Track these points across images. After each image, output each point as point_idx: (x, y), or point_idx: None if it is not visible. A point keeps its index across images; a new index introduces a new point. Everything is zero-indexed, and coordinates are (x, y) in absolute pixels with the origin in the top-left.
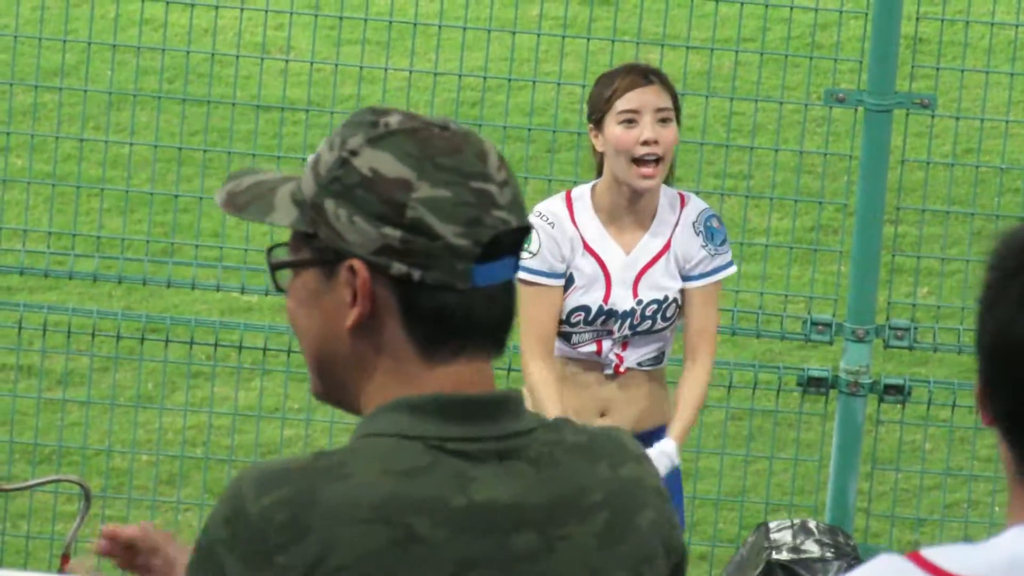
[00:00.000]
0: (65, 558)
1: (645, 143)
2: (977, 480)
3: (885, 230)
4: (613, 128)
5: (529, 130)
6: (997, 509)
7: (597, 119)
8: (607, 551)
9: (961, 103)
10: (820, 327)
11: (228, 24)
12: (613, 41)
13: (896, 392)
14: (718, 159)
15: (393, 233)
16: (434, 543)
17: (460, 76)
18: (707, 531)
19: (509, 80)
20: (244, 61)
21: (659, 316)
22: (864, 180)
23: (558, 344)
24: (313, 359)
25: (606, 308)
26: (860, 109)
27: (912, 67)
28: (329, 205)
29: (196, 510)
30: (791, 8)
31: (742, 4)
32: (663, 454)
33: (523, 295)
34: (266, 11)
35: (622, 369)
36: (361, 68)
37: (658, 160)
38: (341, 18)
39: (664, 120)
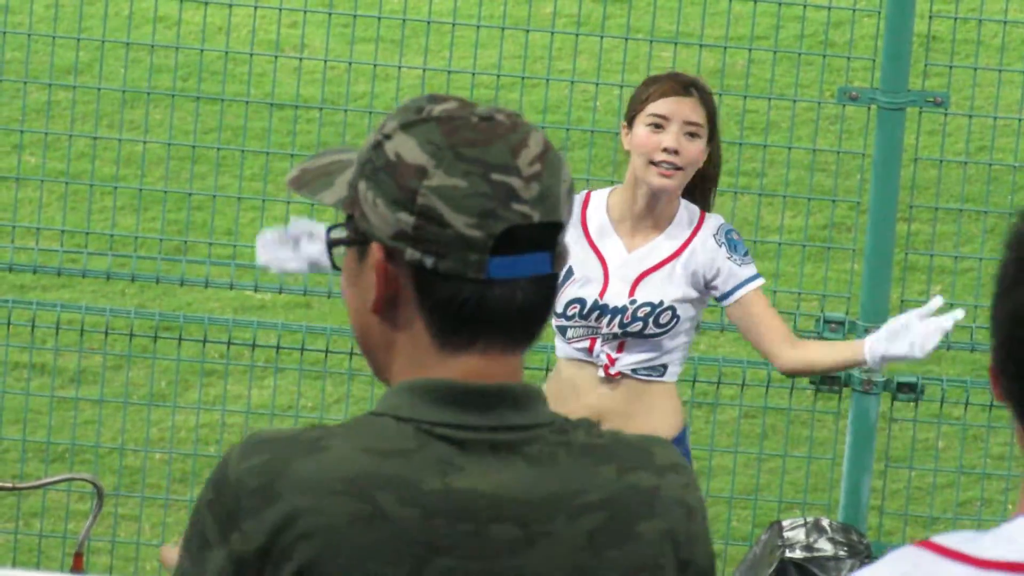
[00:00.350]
0: (78, 557)
1: (666, 150)
2: (990, 478)
3: (898, 228)
4: (640, 129)
5: (543, 128)
6: (1010, 507)
7: (630, 117)
8: (596, 553)
9: (974, 101)
10: (833, 325)
11: (242, 22)
12: (626, 39)
13: (909, 390)
14: (731, 157)
15: (407, 219)
16: (400, 522)
17: (473, 74)
18: (720, 529)
19: (522, 78)
20: (258, 59)
21: (651, 320)
22: (877, 178)
23: (559, 343)
24: (356, 337)
25: (600, 303)
26: (873, 107)
27: (925, 65)
28: (362, 186)
29: None
30: (804, 6)
31: (755, 2)
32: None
33: None
34: (280, 9)
35: (612, 371)
36: (375, 66)
37: (678, 168)
38: (355, 16)
39: (692, 134)
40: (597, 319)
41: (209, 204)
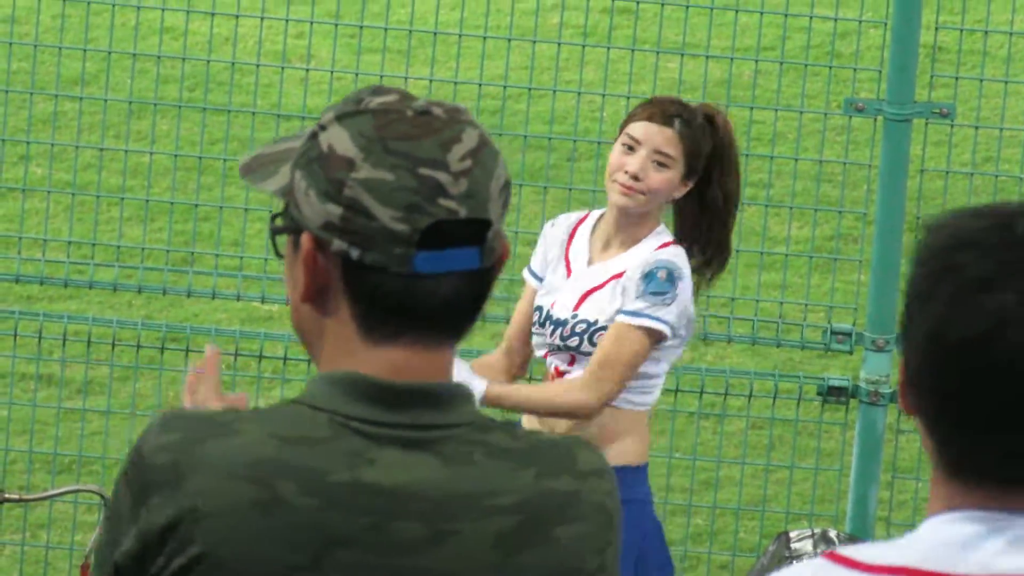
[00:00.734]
0: (85, 568)
1: (626, 172)
2: None
3: (905, 239)
4: (616, 146)
5: (549, 139)
6: None
7: (617, 136)
8: (508, 555)
9: (980, 112)
10: (840, 336)
11: (248, 32)
12: (633, 50)
13: None
14: None
15: (335, 210)
16: (298, 511)
17: (480, 85)
18: (728, 540)
19: (529, 89)
20: (264, 70)
21: (586, 337)
22: (884, 189)
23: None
24: (293, 325)
25: (550, 313)
26: (880, 118)
27: (931, 76)
28: (297, 176)
29: None
30: (811, 17)
31: (762, 13)
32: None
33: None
34: (286, 20)
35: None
36: (382, 77)
37: (640, 193)
38: (361, 27)
39: (661, 164)
40: (545, 327)
41: (216, 215)
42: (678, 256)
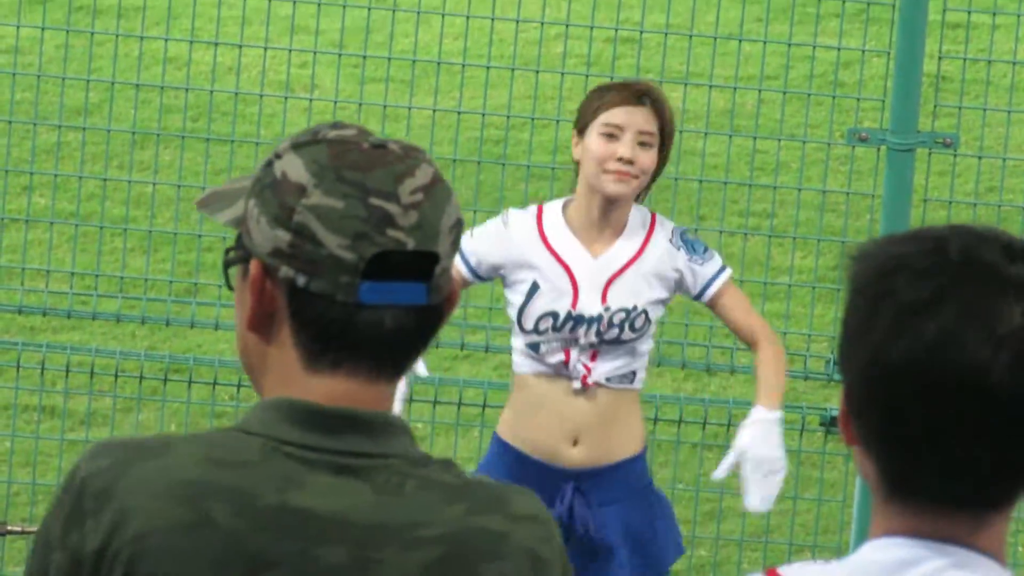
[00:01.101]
0: None
1: (620, 159)
2: None
3: None
4: (593, 138)
5: (553, 168)
6: (1021, 549)
7: (581, 127)
8: None
9: (984, 142)
10: None
11: (252, 62)
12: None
13: None
14: (741, 197)
15: (284, 236)
16: (228, 532)
17: (484, 114)
18: (731, 572)
19: (533, 119)
20: (268, 99)
21: (627, 325)
22: (887, 218)
23: (526, 359)
24: (239, 353)
25: (574, 314)
26: (883, 148)
27: (935, 106)
28: (250, 204)
29: None
30: (814, 47)
31: (765, 42)
32: (765, 422)
33: None
34: (290, 49)
35: (590, 381)
36: (385, 107)
37: (633, 176)
38: (365, 56)
39: (644, 144)
40: (572, 330)
41: (219, 245)
42: (667, 219)
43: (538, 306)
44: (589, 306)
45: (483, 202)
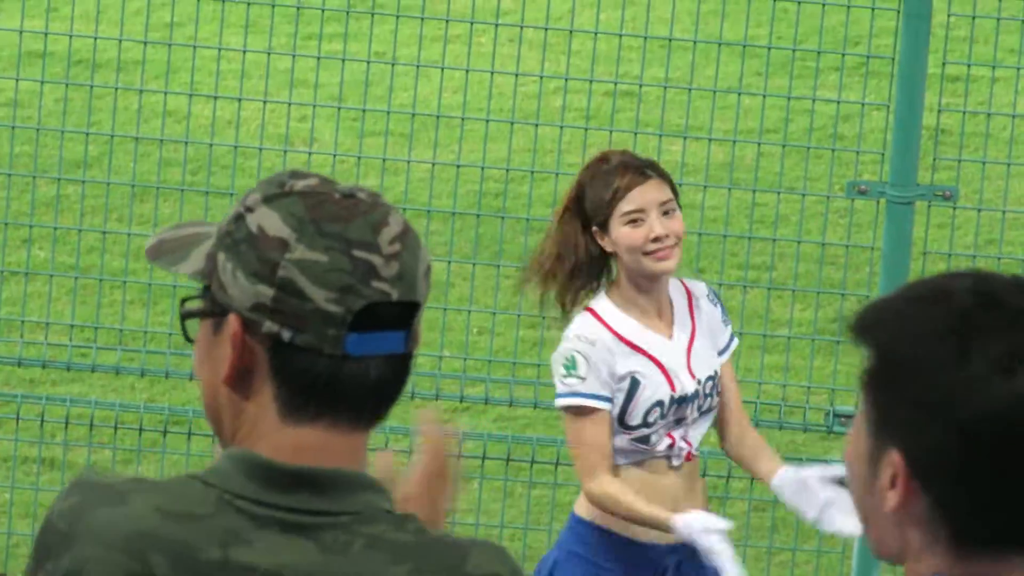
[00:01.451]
0: None
1: (656, 239)
2: None
3: None
4: (621, 230)
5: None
6: None
7: (600, 222)
8: None
9: (983, 194)
10: (843, 419)
11: (251, 116)
12: (636, 133)
13: None
14: (741, 250)
15: (267, 291)
16: None
17: (483, 168)
18: None
19: (532, 172)
20: (267, 153)
21: (714, 392)
22: (886, 271)
23: (623, 454)
24: (206, 409)
25: (676, 396)
26: (882, 200)
27: (934, 159)
28: (221, 258)
29: None
30: (813, 100)
31: (764, 96)
32: (803, 478)
33: (579, 422)
34: (289, 103)
35: (693, 454)
36: (384, 160)
37: (672, 247)
38: (364, 110)
39: (668, 212)
40: (677, 411)
41: None
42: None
43: (642, 400)
44: (686, 385)
45: (482, 255)
